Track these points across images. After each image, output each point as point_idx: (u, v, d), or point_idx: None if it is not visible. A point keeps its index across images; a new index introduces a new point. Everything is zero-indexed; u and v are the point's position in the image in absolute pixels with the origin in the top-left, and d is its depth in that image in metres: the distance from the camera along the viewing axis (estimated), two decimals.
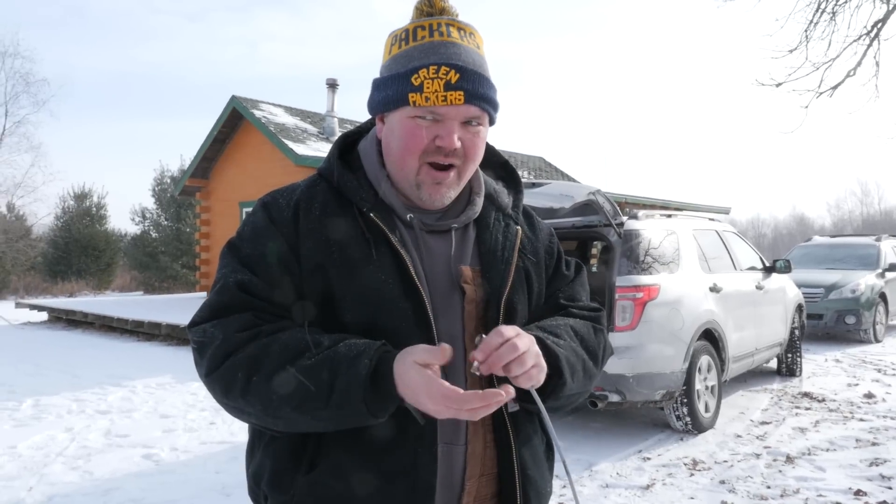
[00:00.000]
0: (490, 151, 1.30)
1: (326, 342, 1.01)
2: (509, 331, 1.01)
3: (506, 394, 0.94)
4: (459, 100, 1.06)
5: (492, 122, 1.15)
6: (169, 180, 25.99)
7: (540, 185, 5.23)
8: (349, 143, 1.25)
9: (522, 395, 1.06)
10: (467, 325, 1.14)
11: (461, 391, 0.93)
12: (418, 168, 1.11)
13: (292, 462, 1.09)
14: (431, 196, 1.13)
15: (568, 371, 1.12)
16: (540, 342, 1.10)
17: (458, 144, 1.09)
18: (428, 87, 1.05)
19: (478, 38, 1.13)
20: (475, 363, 1.00)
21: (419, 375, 0.95)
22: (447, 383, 0.94)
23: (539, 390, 1.06)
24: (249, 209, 1.26)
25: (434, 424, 1.07)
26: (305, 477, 1.07)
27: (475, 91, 1.07)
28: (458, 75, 1.06)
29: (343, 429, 1.03)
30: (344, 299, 1.07)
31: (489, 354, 0.99)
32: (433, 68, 1.06)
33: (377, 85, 1.14)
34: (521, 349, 1.00)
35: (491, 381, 1.12)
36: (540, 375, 1.05)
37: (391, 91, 1.09)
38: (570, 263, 1.37)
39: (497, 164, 1.33)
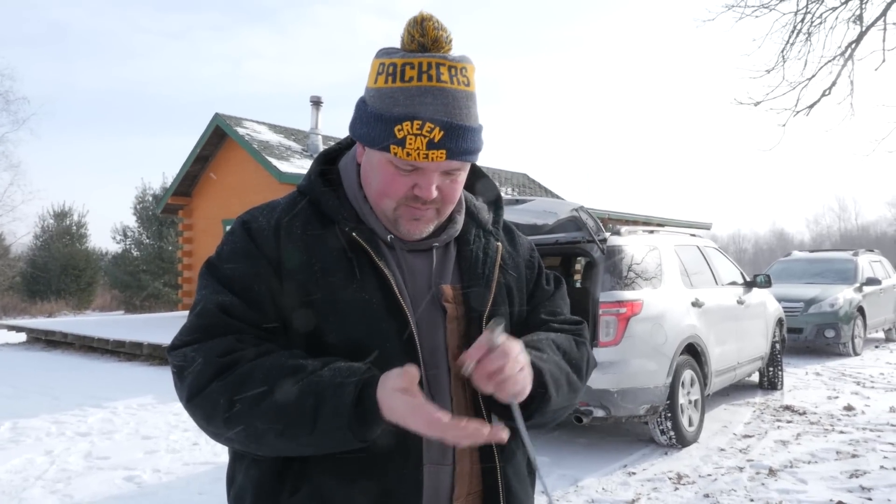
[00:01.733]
0: (470, 169, 1.30)
1: (310, 367, 1.00)
2: (501, 336, 1.02)
3: (490, 429, 0.94)
4: (441, 157, 1.04)
5: (474, 163, 1.15)
6: (151, 198, 25.78)
7: (523, 201, 5.28)
8: (329, 160, 1.24)
9: (503, 410, 1.07)
10: (450, 343, 1.14)
11: (445, 419, 0.93)
12: (395, 206, 1.11)
13: (275, 485, 1.07)
14: (409, 231, 1.13)
15: (553, 386, 1.12)
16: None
17: (435, 195, 1.09)
18: (410, 144, 1.03)
19: (469, 72, 1.08)
20: (468, 362, 1.00)
21: (402, 403, 0.94)
22: (432, 408, 0.94)
23: (524, 405, 1.06)
24: None
25: (419, 446, 1.06)
26: (289, 500, 1.05)
27: (457, 148, 1.05)
28: (441, 133, 1.03)
29: (327, 453, 1.02)
30: (327, 319, 1.06)
31: (483, 354, 0.99)
32: (417, 123, 1.02)
33: (361, 115, 1.11)
34: (512, 353, 1.01)
35: (475, 398, 1.13)
36: (527, 382, 1.05)
37: (374, 131, 1.06)
38: (549, 277, 1.37)
39: (477, 180, 1.32)
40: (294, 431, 0.97)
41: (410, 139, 1.03)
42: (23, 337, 14.23)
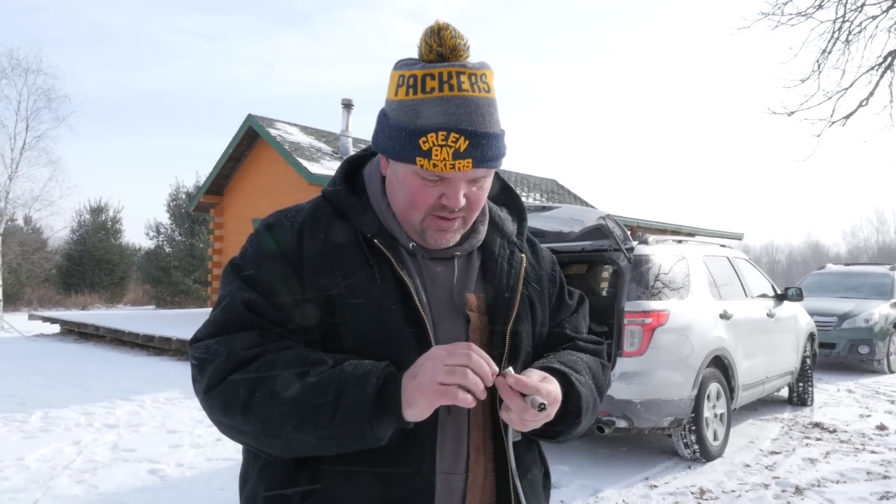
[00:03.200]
0: (494, 178, 1.30)
1: (331, 361, 1.01)
2: (550, 397, 1.05)
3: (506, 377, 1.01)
4: (468, 167, 1.05)
5: (498, 168, 1.15)
6: (184, 196, 26.24)
7: (550, 208, 5.25)
8: (354, 167, 1.25)
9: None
10: None
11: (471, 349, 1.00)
12: (423, 218, 1.11)
13: (286, 489, 1.07)
14: (437, 241, 1.14)
15: (584, 412, 1.14)
16: (566, 378, 1.12)
17: (463, 203, 1.09)
18: (436, 155, 1.03)
19: (489, 78, 1.08)
20: (509, 369, 1.04)
21: (422, 371, 0.98)
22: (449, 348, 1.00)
23: (555, 427, 1.10)
24: None
25: (433, 454, 1.06)
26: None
27: (483, 156, 1.05)
28: (467, 142, 1.03)
29: (340, 452, 1.02)
30: (346, 324, 1.07)
31: (522, 383, 1.03)
32: (442, 135, 1.02)
33: (384, 127, 1.11)
34: (540, 417, 1.04)
35: (493, 407, 1.13)
36: (536, 425, 1.08)
37: (398, 144, 1.07)
38: (573, 293, 1.38)
39: (501, 190, 1.33)
40: (313, 423, 0.97)
41: (436, 150, 1.03)
42: (56, 328, 14.58)
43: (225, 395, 1.01)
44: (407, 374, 1.00)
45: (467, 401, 0.96)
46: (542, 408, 0.99)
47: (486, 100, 1.07)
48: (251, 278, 1.10)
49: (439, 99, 1.04)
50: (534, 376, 1.05)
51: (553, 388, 1.06)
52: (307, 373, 0.99)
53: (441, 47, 1.05)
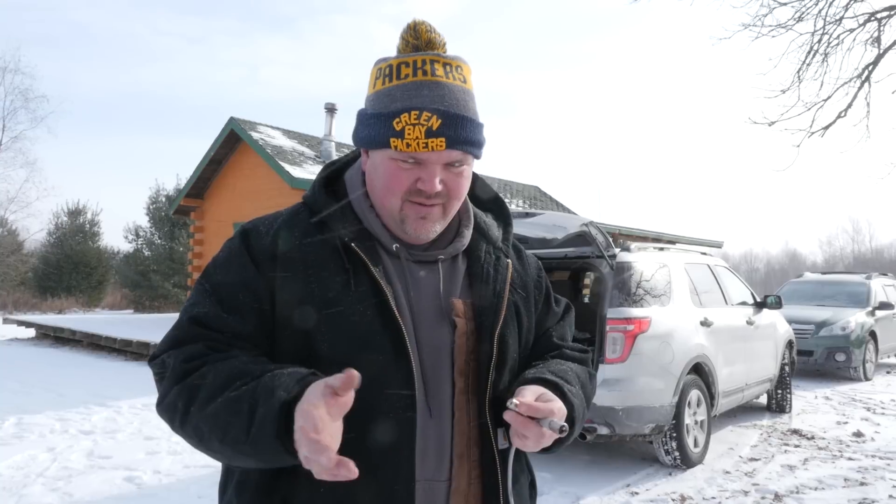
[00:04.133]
0: (480, 184, 1.30)
1: (258, 371, 0.96)
2: (556, 405, 1.05)
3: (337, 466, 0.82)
4: (441, 146, 1.04)
5: (477, 158, 1.14)
6: (164, 199, 25.95)
7: (533, 215, 5.26)
8: (335, 172, 1.24)
9: (506, 429, 1.07)
10: (456, 359, 1.12)
11: (325, 441, 0.82)
12: (401, 205, 1.10)
13: (264, 500, 1.05)
14: (416, 231, 1.12)
15: (576, 422, 1.14)
16: (559, 389, 1.11)
17: (439, 188, 1.08)
18: (409, 134, 1.03)
19: (465, 71, 1.10)
20: (514, 401, 1.02)
21: (301, 411, 0.85)
22: (320, 423, 0.83)
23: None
24: None
25: (412, 460, 1.05)
26: None
27: (457, 136, 1.05)
28: (439, 121, 1.04)
29: (273, 467, 0.97)
30: (320, 330, 1.05)
31: (534, 408, 1.02)
32: (414, 114, 1.03)
33: (361, 119, 1.12)
34: (563, 411, 1.05)
35: (480, 414, 1.11)
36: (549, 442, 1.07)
37: (374, 131, 1.07)
38: (559, 301, 1.37)
39: (487, 196, 1.32)
40: (232, 438, 0.93)
41: (409, 129, 1.04)
42: (32, 333, 14.34)
43: (169, 409, 1.01)
44: (297, 409, 0.87)
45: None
46: (563, 430, 0.99)
47: (461, 88, 1.08)
48: (216, 284, 1.10)
49: (412, 83, 1.06)
50: (529, 396, 1.04)
51: (559, 405, 1.05)
52: (231, 385, 0.95)
53: (417, 40, 1.08)
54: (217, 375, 0.98)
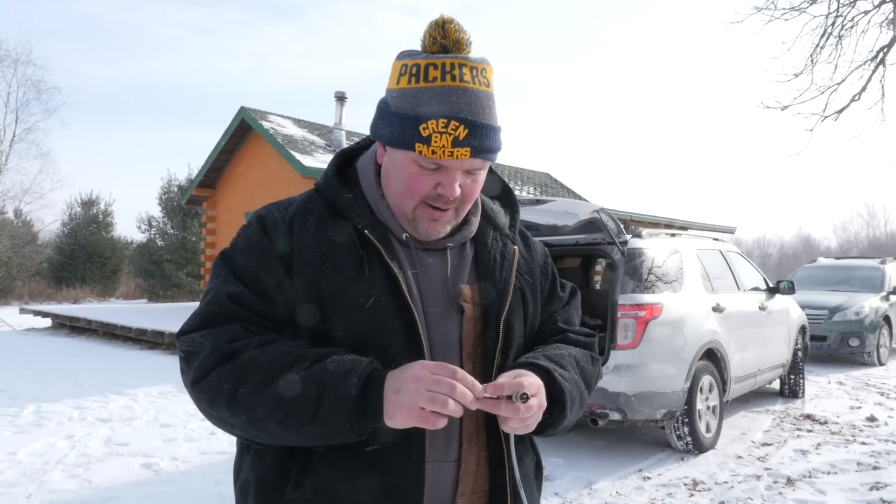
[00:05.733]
0: (490, 178, 1.31)
1: (314, 356, 1.02)
2: (533, 388, 1.05)
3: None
4: (465, 155, 1.06)
5: (493, 161, 1.16)
6: (176, 189, 26.11)
7: (544, 202, 5.25)
8: (347, 160, 1.26)
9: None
10: (465, 343, 1.15)
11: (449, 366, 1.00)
12: (416, 206, 1.12)
13: (279, 478, 1.09)
14: (427, 231, 1.15)
15: (569, 406, 1.15)
16: (549, 374, 1.13)
17: (458, 193, 1.10)
18: (436, 142, 1.05)
19: (489, 73, 1.11)
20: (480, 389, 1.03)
21: (411, 372, 0.99)
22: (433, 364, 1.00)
23: (541, 423, 1.11)
24: None
25: (422, 442, 1.07)
26: (292, 493, 1.07)
27: (481, 146, 1.07)
28: (466, 131, 1.05)
29: (326, 444, 1.04)
30: (335, 315, 1.08)
31: (499, 386, 1.03)
32: (442, 122, 1.04)
33: (384, 115, 1.12)
34: (534, 409, 1.05)
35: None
36: (537, 420, 1.09)
37: (398, 131, 1.08)
38: (565, 286, 1.39)
39: (495, 183, 1.34)
40: (295, 420, 0.99)
41: (436, 137, 1.05)
42: (48, 322, 14.52)
43: (211, 389, 1.02)
44: (389, 386, 0.99)
45: (442, 424, 0.98)
46: (524, 397, 1.01)
47: (486, 93, 1.09)
48: (240, 269, 1.11)
49: (441, 88, 1.06)
50: (503, 378, 1.05)
51: (530, 380, 1.06)
52: (290, 368, 1.00)
53: (444, 39, 1.08)
54: (271, 357, 1.02)
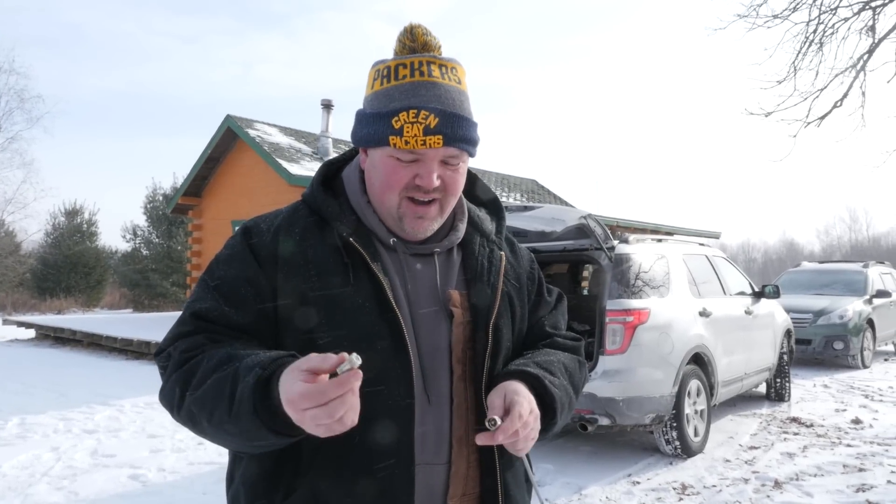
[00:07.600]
0: (475, 182, 1.34)
1: (243, 354, 1.00)
2: (524, 409, 1.06)
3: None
4: (438, 143, 1.08)
5: (472, 156, 1.18)
6: (161, 198, 25.92)
7: (532, 208, 5.28)
8: (333, 170, 1.28)
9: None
10: (454, 348, 1.16)
11: (316, 384, 0.87)
12: (399, 202, 1.13)
13: (269, 486, 1.09)
14: (414, 229, 1.15)
15: (559, 412, 1.17)
16: (539, 381, 1.15)
17: (437, 183, 1.12)
18: (408, 132, 1.07)
19: (459, 73, 1.14)
20: (495, 419, 1.04)
21: (288, 378, 0.90)
22: (306, 383, 0.87)
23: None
24: None
25: (411, 444, 1.08)
26: (283, 502, 1.07)
27: (453, 134, 1.09)
28: (437, 119, 1.08)
29: (263, 450, 1.03)
30: (320, 323, 1.08)
31: (511, 433, 1.04)
32: (413, 112, 1.07)
33: (360, 119, 1.16)
34: (531, 426, 1.08)
35: (477, 401, 1.15)
36: (535, 436, 1.12)
37: (373, 129, 1.11)
38: (551, 291, 1.41)
39: (486, 198, 1.36)
40: (217, 417, 0.98)
41: (407, 127, 1.08)
42: (32, 333, 14.34)
43: (167, 396, 1.06)
44: (281, 389, 0.91)
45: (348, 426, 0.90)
46: (492, 423, 1.03)
47: (457, 89, 1.13)
48: (219, 279, 1.13)
49: (410, 84, 1.10)
50: (524, 411, 1.07)
51: (520, 399, 1.07)
52: (219, 369, 1.00)
53: (413, 43, 1.13)
54: (209, 361, 1.03)
